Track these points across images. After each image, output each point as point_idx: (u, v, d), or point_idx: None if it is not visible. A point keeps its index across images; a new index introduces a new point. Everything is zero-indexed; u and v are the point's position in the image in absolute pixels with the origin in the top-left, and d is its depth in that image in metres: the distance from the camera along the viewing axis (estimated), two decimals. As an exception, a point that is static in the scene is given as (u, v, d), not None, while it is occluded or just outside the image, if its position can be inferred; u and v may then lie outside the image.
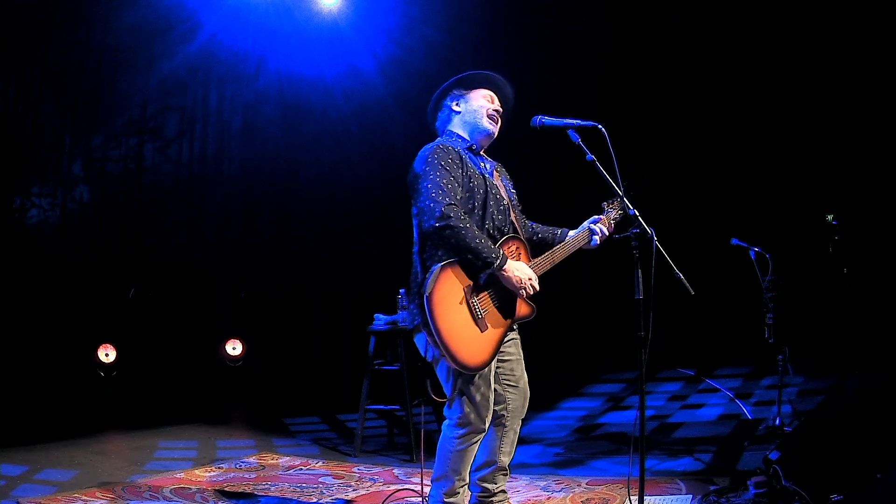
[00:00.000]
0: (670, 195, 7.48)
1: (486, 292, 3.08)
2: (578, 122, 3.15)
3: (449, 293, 2.98)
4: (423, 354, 3.16)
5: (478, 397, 3.09)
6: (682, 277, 3.03)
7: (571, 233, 3.45)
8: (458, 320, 2.98)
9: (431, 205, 2.99)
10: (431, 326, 2.92)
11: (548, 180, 7.61)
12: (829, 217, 4.93)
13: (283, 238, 8.50)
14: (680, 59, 7.60)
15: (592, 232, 3.40)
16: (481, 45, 7.46)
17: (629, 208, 3.12)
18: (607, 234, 3.42)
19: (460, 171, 3.12)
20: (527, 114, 3.29)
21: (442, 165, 3.07)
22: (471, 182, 3.15)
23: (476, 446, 3.20)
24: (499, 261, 3.01)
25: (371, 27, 7.58)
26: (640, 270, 2.99)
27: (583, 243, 3.39)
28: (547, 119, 3.21)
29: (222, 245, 8.46)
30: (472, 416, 3.10)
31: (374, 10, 7.41)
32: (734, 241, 5.16)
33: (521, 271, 3.09)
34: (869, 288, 6.36)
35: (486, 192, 3.18)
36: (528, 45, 7.73)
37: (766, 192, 7.48)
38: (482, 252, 2.98)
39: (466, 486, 3.26)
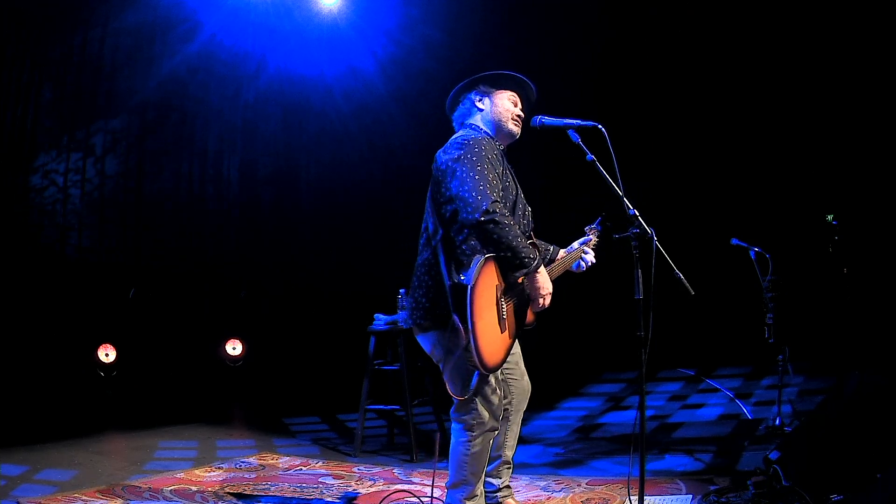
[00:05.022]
0: (670, 195, 7.48)
1: (512, 294, 3.06)
2: (578, 122, 3.15)
3: (488, 287, 2.90)
4: (428, 353, 3.12)
5: (492, 396, 3.07)
6: (682, 277, 3.03)
7: (562, 252, 3.47)
8: (489, 317, 2.91)
9: (478, 197, 2.85)
10: (468, 320, 2.79)
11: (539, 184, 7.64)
12: (829, 217, 4.92)
13: (283, 238, 8.50)
14: (680, 59, 7.59)
15: (584, 252, 3.45)
16: (481, 44, 7.46)
17: (629, 208, 3.12)
18: (593, 261, 3.45)
19: (501, 167, 3.07)
20: (526, 114, 3.29)
21: (487, 158, 2.97)
22: (506, 181, 3.10)
23: (490, 443, 3.18)
24: (535, 262, 2.97)
25: (371, 27, 7.58)
26: (640, 270, 2.99)
27: (569, 265, 3.42)
28: (547, 119, 3.20)
29: (222, 245, 8.46)
30: (487, 415, 3.07)
31: (374, 10, 7.42)
32: (734, 241, 5.16)
33: (547, 281, 3.08)
34: (869, 288, 6.36)
35: (516, 193, 3.17)
36: (528, 45, 7.73)
37: (766, 192, 7.47)
38: (521, 252, 2.91)
39: (483, 484, 3.25)
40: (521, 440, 5.25)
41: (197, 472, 4.58)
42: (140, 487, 4.18)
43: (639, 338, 2.92)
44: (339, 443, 5.46)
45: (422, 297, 3.05)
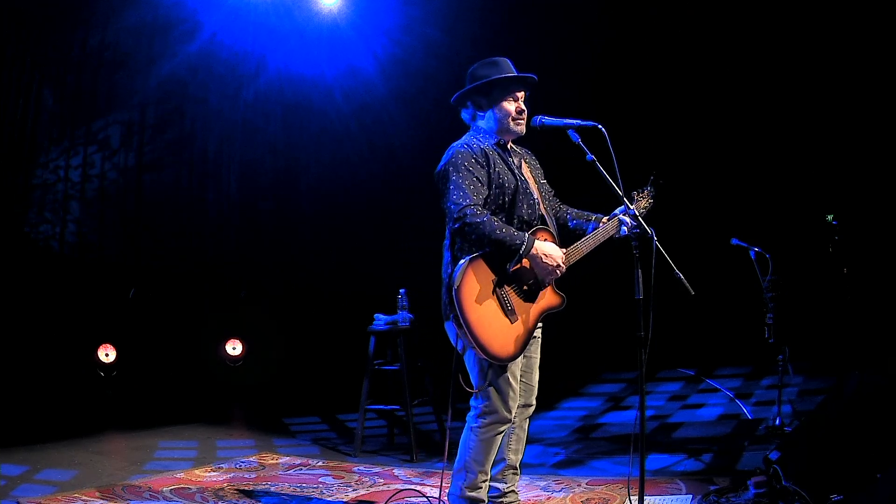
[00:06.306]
0: (670, 195, 7.47)
1: (514, 283, 3.11)
2: (579, 122, 3.16)
3: (477, 285, 3.03)
4: (453, 343, 3.19)
5: (505, 388, 3.14)
6: (682, 277, 3.03)
7: (604, 219, 3.44)
8: (488, 312, 3.02)
9: (452, 206, 3.06)
10: (461, 318, 2.97)
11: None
12: (829, 217, 4.93)
13: (283, 238, 8.50)
14: (680, 59, 7.59)
15: (622, 222, 3.37)
16: (481, 44, 7.45)
17: (629, 208, 3.13)
18: (633, 223, 3.41)
19: (485, 169, 3.15)
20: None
21: (465, 167, 3.12)
22: (500, 178, 3.18)
23: (499, 438, 3.22)
24: (525, 245, 3.03)
25: (371, 27, 7.58)
26: (640, 270, 2.99)
27: (612, 233, 3.37)
28: (547, 119, 3.22)
29: (222, 245, 8.45)
30: (499, 405, 3.14)
31: (374, 10, 7.41)
32: (734, 241, 5.16)
33: (549, 256, 3.09)
34: (869, 288, 6.35)
35: (515, 187, 3.21)
36: (528, 45, 7.72)
37: (766, 192, 7.47)
38: (505, 240, 3.02)
39: (488, 483, 3.27)
40: (521, 440, 5.24)
41: (197, 472, 4.58)
42: (140, 487, 4.18)
43: (639, 338, 2.93)
44: (339, 443, 5.46)
45: (444, 293, 3.19)
